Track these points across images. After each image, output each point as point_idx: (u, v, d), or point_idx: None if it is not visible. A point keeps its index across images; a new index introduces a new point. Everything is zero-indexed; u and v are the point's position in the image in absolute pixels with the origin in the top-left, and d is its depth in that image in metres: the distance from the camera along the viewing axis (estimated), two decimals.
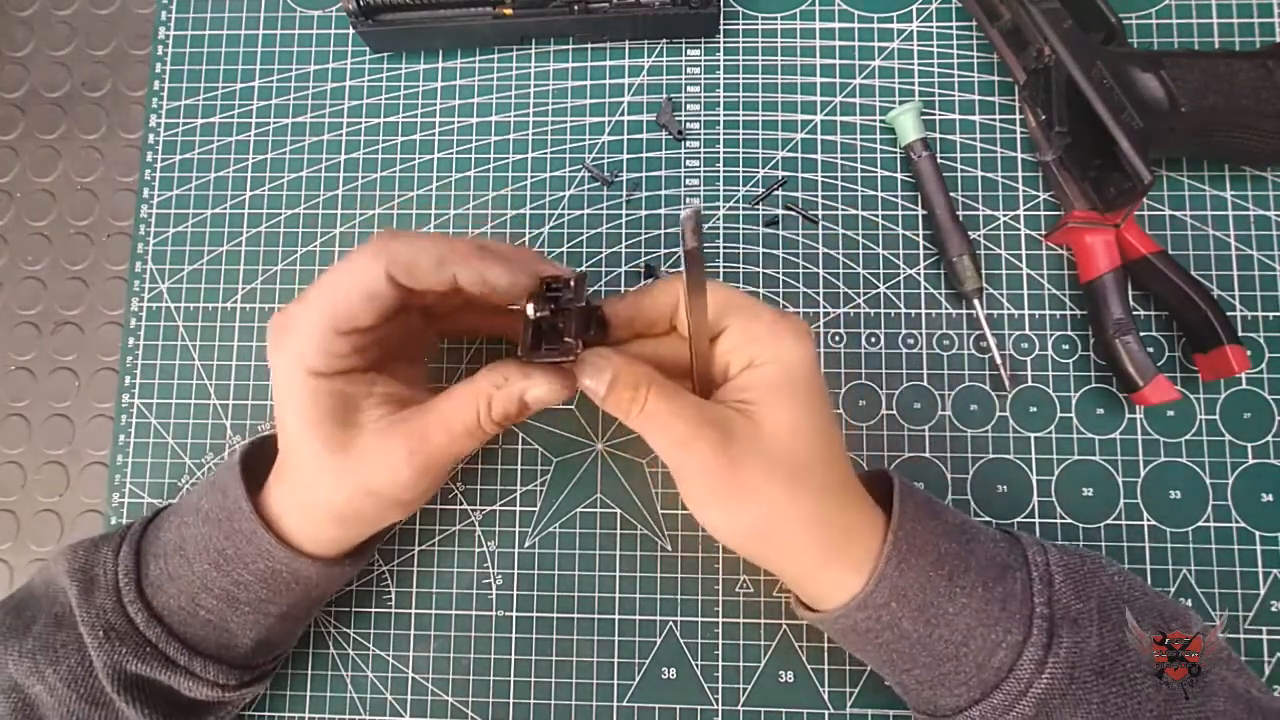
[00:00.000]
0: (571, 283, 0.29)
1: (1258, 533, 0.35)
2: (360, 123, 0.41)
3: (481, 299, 0.28)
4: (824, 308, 0.38)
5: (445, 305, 0.33)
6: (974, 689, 0.28)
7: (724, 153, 0.40)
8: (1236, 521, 0.36)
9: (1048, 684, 0.26)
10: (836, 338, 0.38)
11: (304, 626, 0.35)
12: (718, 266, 0.39)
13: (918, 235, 0.38)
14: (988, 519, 0.36)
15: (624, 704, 0.36)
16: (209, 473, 0.39)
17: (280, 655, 0.35)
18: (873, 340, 0.38)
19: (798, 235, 0.39)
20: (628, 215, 0.39)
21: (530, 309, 0.28)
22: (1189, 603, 0.35)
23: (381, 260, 0.27)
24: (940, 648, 0.28)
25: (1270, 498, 0.36)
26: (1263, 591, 0.35)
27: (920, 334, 0.38)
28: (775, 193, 0.39)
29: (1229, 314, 0.36)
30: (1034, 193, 0.38)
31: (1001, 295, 0.38)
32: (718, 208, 0.39)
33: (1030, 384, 0.37)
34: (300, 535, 0.30)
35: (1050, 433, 0.37)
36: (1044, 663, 0.27)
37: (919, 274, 0.38)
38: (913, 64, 0.40)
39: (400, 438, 0.29)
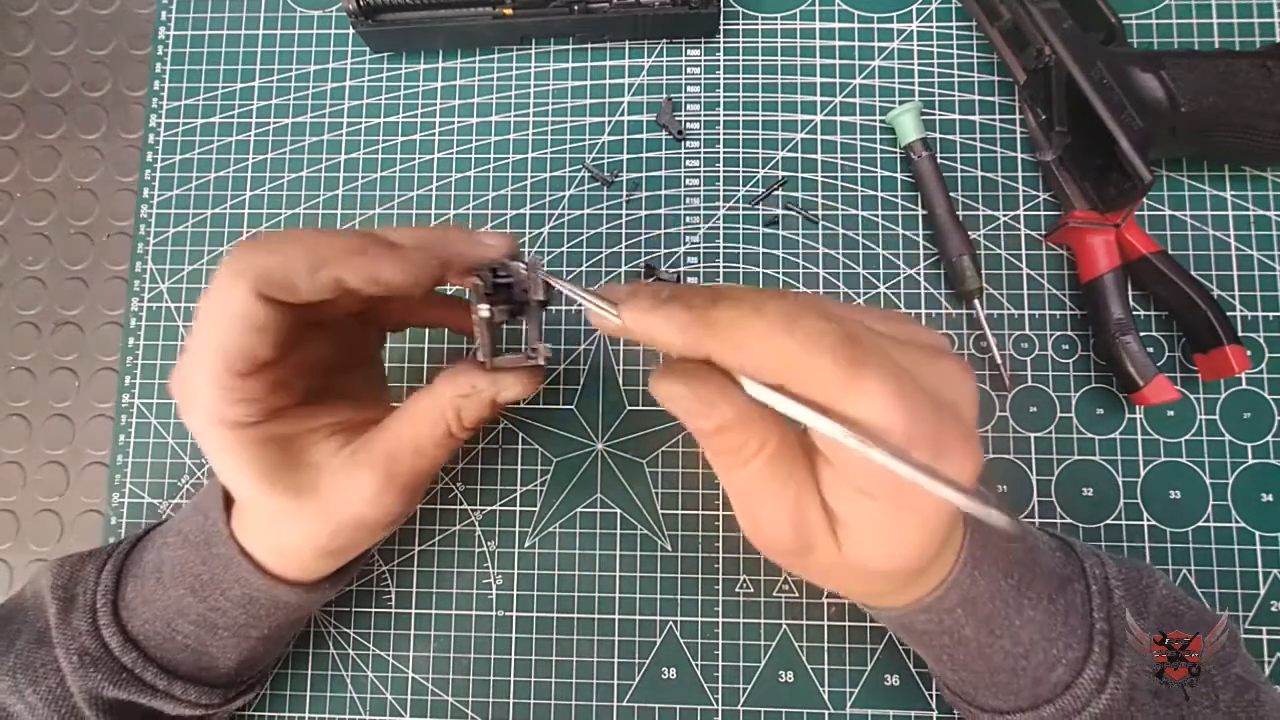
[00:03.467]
0: (523, 269, 0.25)
1: (1258, 533, 0.35)
2: (360, 123, 0.41)
3: (390, 296, 0.25)
4: None
5: (377, 304, 0.30)
6: (1023, 698, 0.27)
7: (724, 153, 0.40)
8: (1236, 521, 0.36)
9: (1107, 704, 0.26)
10: None
11: (290, 640, 0.35)
12: (718, 267, 0.39)
13: (918, 235, 0.38)
14: None
15: (624, 704, 0.36)
16: (208, 474, 0.39)
17: (266, 671, 0.34)
18: None
19: (798, 235, 0.39)
20: (628, 215, 0.39)
21: (484, 310, 0.25)
22: None
23: (245, 279, 0.23)
24: (999, 659, 0.27)
25: (1270, 498, 0.36)
26: (1263, 591, 0.35)
27: None
28: (775, 193, 0.39)
29: (1229, 314, 0.36)
30: (1034, 193, 0.38)
31: (1001, 295, 0.38)
32: (718, 208, 0.39)
33: (1030, 384, 0.37)
34: (281, 567, 0.29)
35: (1050, 433, 0.37)
36: (1104, 683, 0.26)
37: (919, 274, 0.38)
38: (913, 64, 0.40)
39: (370, 468, 0.26)
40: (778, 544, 0.23)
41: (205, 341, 0.24)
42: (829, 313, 0.21)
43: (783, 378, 0.21)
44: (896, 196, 0.39)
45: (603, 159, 0.40)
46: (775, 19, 0.41)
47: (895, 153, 0.39)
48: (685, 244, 0.39)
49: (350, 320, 0.29)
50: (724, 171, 0.39)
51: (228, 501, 0.29)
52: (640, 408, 0.38)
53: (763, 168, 0.39)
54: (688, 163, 0.40)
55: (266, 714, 0.36)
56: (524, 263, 0.26)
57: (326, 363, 0.28)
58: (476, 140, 0.41)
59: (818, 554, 0.23)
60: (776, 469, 0.22)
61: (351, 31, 0.41)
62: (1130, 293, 0.36)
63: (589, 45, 0.41)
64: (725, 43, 0.40)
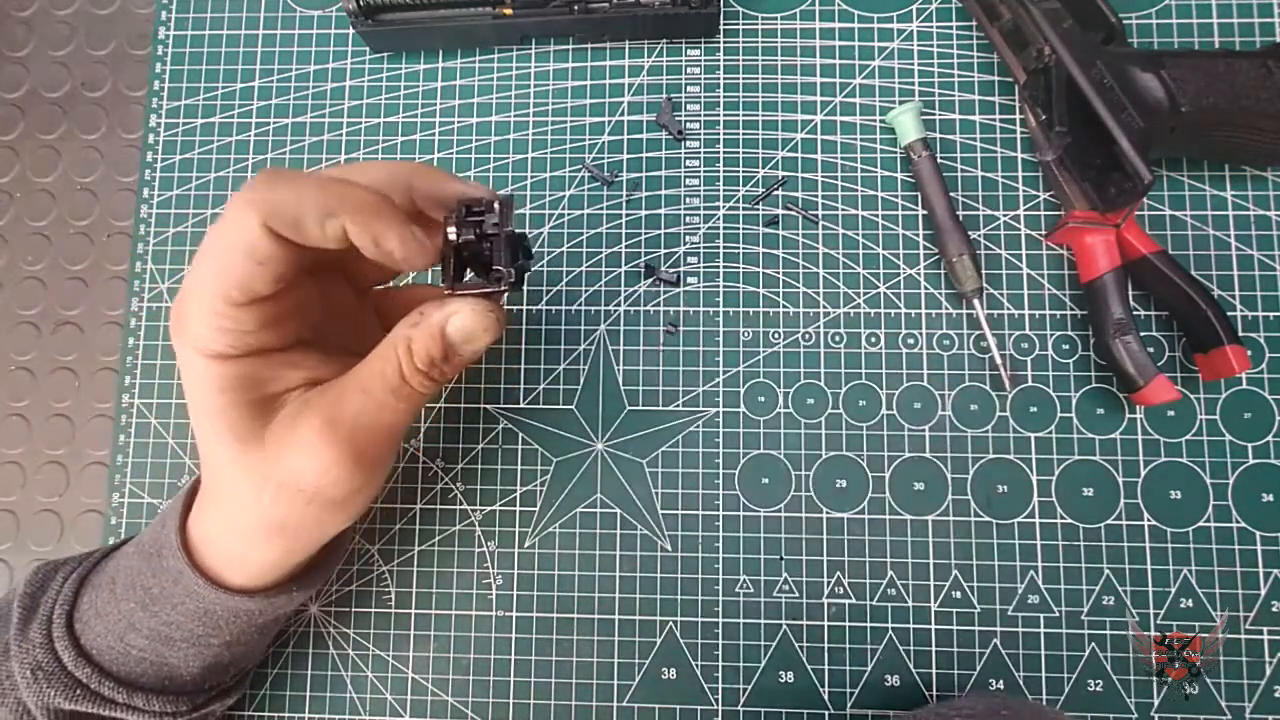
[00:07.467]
0: (496, 205, 0.26)
1: (1258, 533, 0.35)
2: (360, 123, 0.41)
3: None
4: (824, 308, 0.38)
5: (369, 271, 0.30)
6: None
7: (724, 153, 0.40)
8: (1236, 521, 0.36)
9: None
10: (836, 338, 0.38)
11: (266, 644, 0.34)
12: (718, 266, 0.39)
13: (918, 235, 0.38)
14: (988, 519, 0.36)
15: (624, 704, 0.36)
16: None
17: (246, 671, 0.33)
18: (873, 340, 0.38)
19: (798, 235, 0.39)
20: (628, 215, 0.39)
21: (452, 231, 0.26)
22: (1189, 603, 0.35)
23: (257, 211, 0.23)
24: None
25: (1270, 498, 0.36)
26: (1263, 591, 0.35)
27: (920, 334, 0.38)
28: (775, 193, 0.39)
29: (1229, 314, 0.36)
30: (1034, 193, 0.38)
31: (1001, 295, 0.38)
32: (718, 208, 0.39)
33: (1030, 384, 0.37)
34: (236, 564, 0.28)
35: (1050, 433, 0.37)
36: None
37: (919, 274, 0.38)
38: (913, 64, 0.40)
39: (312, 410, 0.25)
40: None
41: (207, 267, 0.24)
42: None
43: None
44: (896, 196, 0.39)
45: (603, 159, 0.40)
46: (775, 19, 0.41)
47: (895, 153, 0.39)
48: (685, 244, 0.39)
49: (347, 288, 0.30)
50: (724, 171, 0.39)
51: (187, 509, 0.29)
52: (640, 408, 0.38)
53: (763, 168, 0.39)
54: (688, 163, 0.40)
55: (266, 714, 0.36)
56: (498, 198, 0.27)
57: (313, 312, 0.28)
58: (476, 140, 0.41)
59: None
60: None
61: (351, 31, 0.41)
62: (1130, 293, 0.36)
63: (589, 45, 0.41)
64: (725, 43, 0.40)
